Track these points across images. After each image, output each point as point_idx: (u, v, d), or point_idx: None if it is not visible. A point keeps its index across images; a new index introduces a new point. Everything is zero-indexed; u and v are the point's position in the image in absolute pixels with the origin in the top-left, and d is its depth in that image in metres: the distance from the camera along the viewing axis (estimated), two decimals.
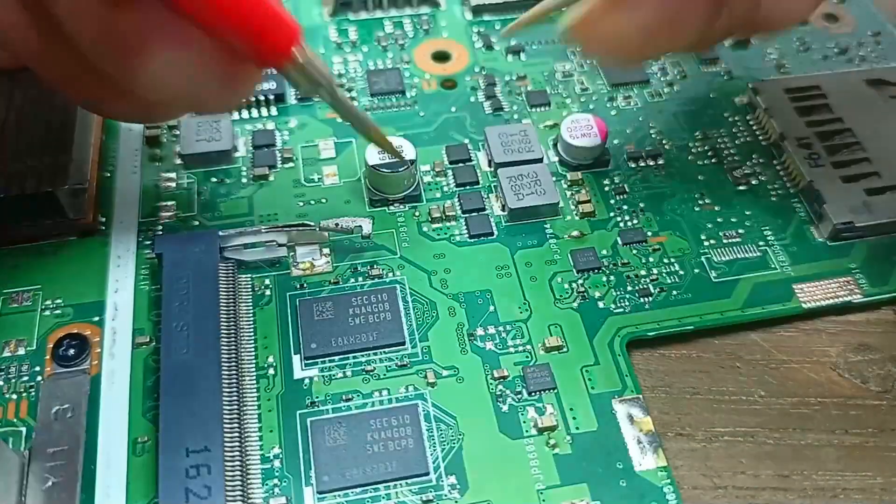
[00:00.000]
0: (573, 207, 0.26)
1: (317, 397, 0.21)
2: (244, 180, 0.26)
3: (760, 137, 0.28)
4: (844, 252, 0.25)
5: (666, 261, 0.24)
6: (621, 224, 0.25)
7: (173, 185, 0.26)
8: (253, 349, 0.22)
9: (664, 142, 0.28)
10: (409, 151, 0.25)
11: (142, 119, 0.25)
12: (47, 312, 0.23)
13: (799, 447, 0.21)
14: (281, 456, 0.20)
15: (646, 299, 0.23)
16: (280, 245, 0.24)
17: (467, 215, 0.25)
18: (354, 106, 0.22)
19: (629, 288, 0.24)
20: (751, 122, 0.28)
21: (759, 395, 0.22)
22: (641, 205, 0.26)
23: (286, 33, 0.19)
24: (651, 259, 0.24)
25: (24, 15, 0.17)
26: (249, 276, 0.23)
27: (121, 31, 0.18)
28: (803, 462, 0.21)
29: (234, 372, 0.21)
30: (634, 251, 0.25)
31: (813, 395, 0.22)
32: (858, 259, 0.25)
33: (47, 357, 0.22)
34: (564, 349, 0.22)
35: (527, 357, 0.22)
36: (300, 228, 0.24)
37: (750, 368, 0.23)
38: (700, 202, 0.26)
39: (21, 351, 0.22)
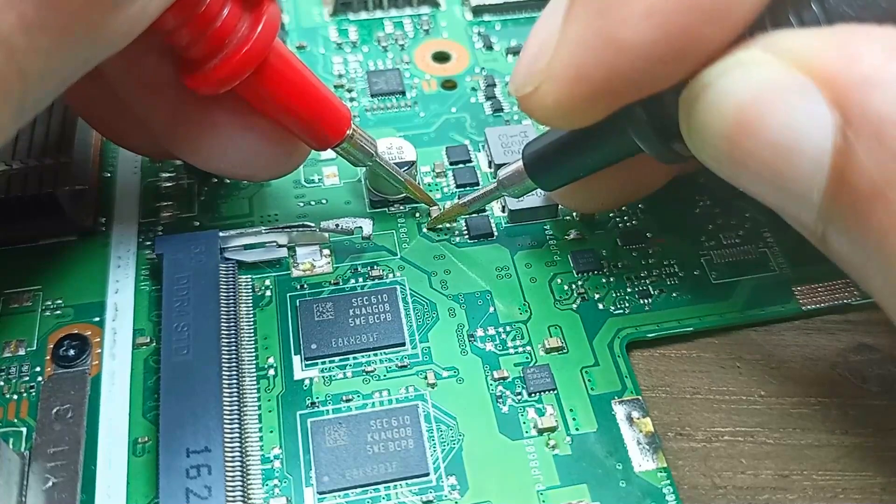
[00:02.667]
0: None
1: (317, 398, 0.21)
2: (244, 181, 0.26)
3: None
4: None
5: (665, 262, 0.24)
6: (621, 225, 0.25)
7: (173, 185, 0.26)
8: (253, 350, 0.22)
9: None
10: (409, 152, 0.25)
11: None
12: (48, 313, 0.23)
13: (799, 447, 0.21)
14: (281, 456, 0.20)
15: (646, 300, 0.23)
16: (280, 246, 0.24)
17: (467, 217, 0.25)
18: (397, 168, 0.24)
19: (629, 289, 0.24)
20: None
21: (759, 395, 0.22)
22: (641, 206, 0.26)
23: (340, 120, 0.21)
24: (651, 260, 0.24)
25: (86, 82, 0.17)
26: (249, 276, 0.23)
27: (190, 113, 0.20)
28: (803, 462, 0.21)
29: (235, 372, 0.21)
30: (634, 252, 0.25)
31: (813, 395, 0.22)
32: None
33: (47, 357, 0.22)
34: (564, 350, 0.22)
35: (527, 358, 0.22)
36: (301, 229, 0.24)
37: (750, 368, 0.23)
38: (700, 203, 0.26)
39: (21, 351, 0.22)
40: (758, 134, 0.15)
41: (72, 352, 0.22)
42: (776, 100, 0.15)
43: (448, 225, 0.25)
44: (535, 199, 0.25)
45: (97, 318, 0.23)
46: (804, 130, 0.14)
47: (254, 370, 0.22)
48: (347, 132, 0.22)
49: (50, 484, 0.19)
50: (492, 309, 0.23)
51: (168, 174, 0.26)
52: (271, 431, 0.21)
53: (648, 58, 0.16)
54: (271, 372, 0.22)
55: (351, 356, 0.22)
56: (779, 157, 0.15)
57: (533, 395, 0.21)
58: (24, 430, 0.21)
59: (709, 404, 0.22)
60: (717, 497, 0.20)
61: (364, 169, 0.25)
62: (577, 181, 0.22)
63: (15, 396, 0.21)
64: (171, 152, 0.22)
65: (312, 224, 0.24)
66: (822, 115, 0.14)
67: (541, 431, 0.21)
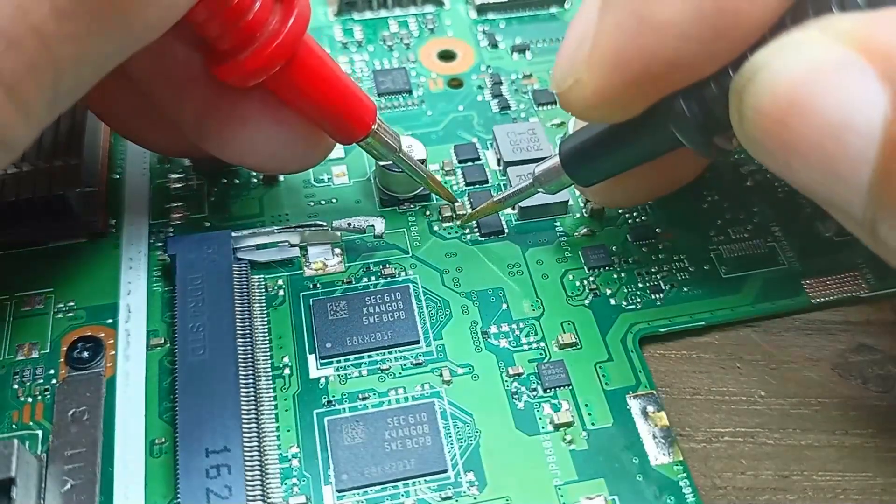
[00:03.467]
0: (582, 205, 0.26)
1: (333, 396, 0.21)
2: (254, 181, 0.26)
3: None
4: (851, 247, 0.25)
5: (675, 257, 0.25)
6: (630, 221, 0.25)
7: (182, 186, 0.26)
8: (268, 349, 0.22)
9: None
10: (418, 151, 0.25)
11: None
12: (60, 315, 0.23)
13: (799, 447, 0.21)
14: (299, 455, 0.20)
15: (657, 295, 0.24)
16: (293, 245, 0.24)
17: None
18: (418, 162, 0.24)
19: (640, 284, 0.24)
20: None
21: (760, 396, 0.22)
22: (650, 202, 0.26)
23: (366, 114, 0.22)
24: (661, 256, 0.25)
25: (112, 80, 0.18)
26: (262, 276, 0.24)
27: (219, 106, 0.20)
28: (803, 462, 0.21)
29: (251, 372, 0.21)
30: (644, 248, 0.25)
31: (813, 396, 0.22)
32: (865, 253, 0.25)
33: (61, 360, 0.22)
34: (578, 346, 0.22)
35: (541, 354, 0.22)
36: (313, 228, 0.24)
37: (750, 369, 0.23)
38: (708, 198, 0.26)
39: (35, 354, 0.22)
40: (810, 113, 0.15)
41: (86, 354, 0.22)
42: (828, 77, 0.14)
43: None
44: (544, 196, 0.25)
45: (110, 320, 0.22)
46: (855, 106, 0.14)
47: (269, 370, 0.22)
48: (373, 127, 0.22)
49: (68, 486, 0.19)
50: (504, 306, 0.23)
51: (177, 175, 0.26)
52: (288, 430, 0.21)
53: (686, 37, 0.16)
54: (286, 371, 0.22)
55: (366, 354, 0.22)
56: (830, 136, 0.14)
57: (548, 390, 0.21)
58: (39, 432, 0.20)
59: (709, 405, 0.22)
60: (717, 497, 0.20)
61: (374, 168, 0.25)
62: (613, 177, 0.22)
63: (29, 399, 0.21)
64: (200, 146, 0.22)
65: (324, 223, 0.24)
66: (874, 91, 0.14)
67: (557, 427, 0.21)
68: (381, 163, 0.24)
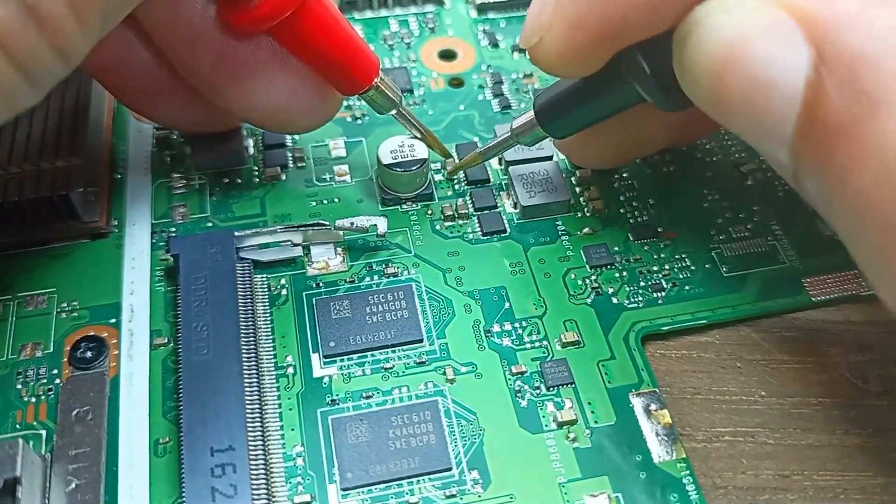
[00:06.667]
0: (584, 204, 0.26)
1: (337, 395, 0.21)
2: (256, 180, 0.26)
3: None
4: None
5: (677, 256, 0.25)
6: (632, 220, 0.26)
7: (184, 186, 0.26)
8: (272, 348, 0.22)
9: None
10: (420, 150, 0.25)
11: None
12: (63, 315, 0.23)
13: (799, 447, 0.21)
14: (303, 454, 0.20)
15: (659, 294, 0.24)
16: (295, 245, 0.24)
17: (480, 213, 0.25)
18: (420, 120, 0.25)
19: (642, 283, 0.24)
20: None
21: (760, 395, 0.22)
22: (651, 201, 0.26)
23: (369, 66, 0.23)
24: (663, 254, 0.25)
25: (122, 35, 0.19)
26: (265, 275, 0.24)
27: (232, 57, 0.21)
28: (803, 462, 0.21)
29: (254, 371, 0.21)
30: (646, 247, 0.25)
31: (813, 396, 0.22)
32: None
33: (64, 360, 0.22)
34: (580, 344, 0.22)
35: (543, 353, 0.22)
36: (315, 228, 0.24)
37: (750, 368, 0.23)
38: (709, 197, 0.26)
39: (38, 354, 0.22)
40: (740, 70, 0.16)
41: (89, 353, 0.22)
42: (758, 36, 0.15)
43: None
44: (546, 195, 0.25)
45: (113, 320, 0.22)
46: (781, 64, 0.15)
47: (273, 369, 0.22)
48: (375, 80, 0.23)
49: (73, 486, 0.19)
50: (507, 304, 0.23)
51: (179, 175, 0.26)
52: (293, 429, 0.21)
53: (637, 4, 0.17)
54: (290, 370, 0.22)
55: (369, 353, 0.22)
56: (758, 92, 0.15)
57: (551, 389, 0.22)
58: (43, 432, 0.20)
59: (709, 404, 0.22)
60: (717, 497, 0.20)
61: (376, 167, 0.25)
62: (584, 130, 0.23)
63: (33, 399, 0.21)
64: (214, 101, 0.22)
65: (327, 222, 0.24)
66: (799, 51, 0.15)
67: (560, 425, 0.21)
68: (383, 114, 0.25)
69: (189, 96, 0.23)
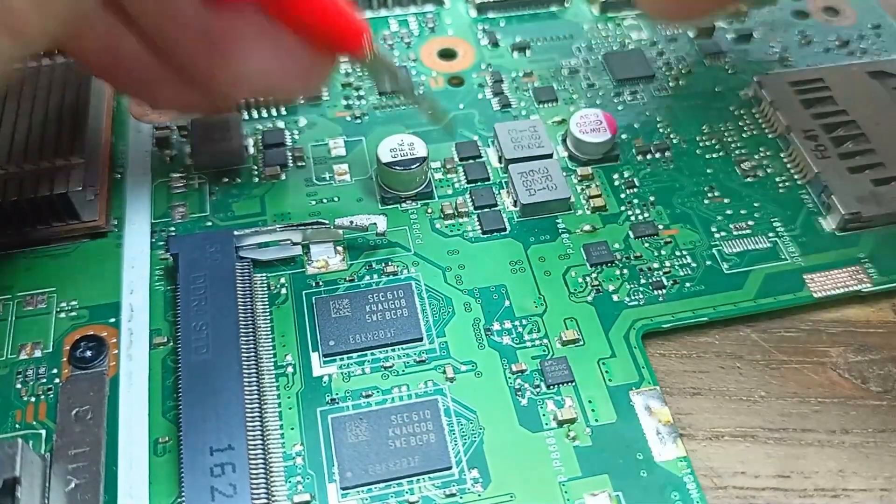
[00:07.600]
0: (584, 202, 0.26)
1: (336, 394, 0.21)
2: (255, 180, 0.26)
3: (767, 130, 0.28)
4: (853, 242, 0.25)
5: (678, 253, 0.25)
6: (632, 218, 0.25)
7: (184, 185, 0.26)
8: (271, 347, 0.22)
9: (672, 136, 0.28)
10: (420, 149, 0.25)
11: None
12: (62, 315, 0.23)
13: (799, 447, 0.21)
14: (303, 453, 0.20)
15: (659, 291, 0.24)
16: (295, 244, 0.24)
17: (479, 211, 0.25)
18: (418, 89, 0.25)
19: (642, 281, 0.24)
20: (756, 116, 0.29)
21: (760, 395, 0.22)
22: (651, 198, 0.26)
23: (356, 31, 0.22)
24: (663, 252, 0.25)
25: (108, 23, 0.18)
26: (264, 274, 0.23)
27: (218, 31, 0.20)
28: (803, 462, 0.21)
29: (254, 370, 0.21)
30: (646, 244, 0.25)
31: (813, 396, 0.22)
32: (867, 248, 0.25)
33: (64, 359, 0.22)
34: (581, 342, 0.22)
35: (544, 351, 0.22)
36: (315, 227, 0.24)
37: (750, 368, 0.23)
38: (709, 195, 0.26)
39: (37, 353, 0.22)
40: None
41: (88, 353, 0.22)
42: None
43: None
44: (546, 193, 0.25)
45: (113, 319, 0.22)
46: None
47: (272, 368, 0.22)
48: (363, 43, 0.22)
49: (73, 485, 0.19)
50: (507, 303, 0.23)
51: (179, 174, 0.26)
52: (292, 428, 0.21)
53: None
54: (290, 369, 0.22)
55: (369, 352, 0.22)
56: None
57: (551, 387, 0.21)
58: (42, 432, 0.20)
59: (709, 404, 0.22)
60: (717, 496, 0.20)
61: (376, 166, 0.25)
62: None
63: (33, 399, 0.21)
64: (204, 80, 0.22)
65: (327, 221, 0.24)
66: None
67: (560, 423, 0.21)
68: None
69: (182, 79, 0.22)
